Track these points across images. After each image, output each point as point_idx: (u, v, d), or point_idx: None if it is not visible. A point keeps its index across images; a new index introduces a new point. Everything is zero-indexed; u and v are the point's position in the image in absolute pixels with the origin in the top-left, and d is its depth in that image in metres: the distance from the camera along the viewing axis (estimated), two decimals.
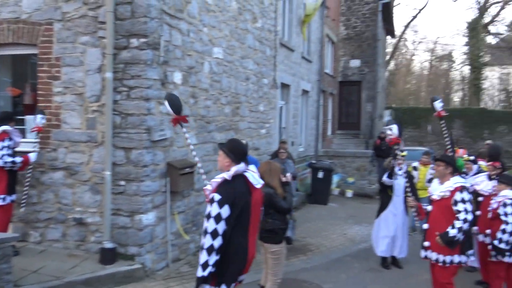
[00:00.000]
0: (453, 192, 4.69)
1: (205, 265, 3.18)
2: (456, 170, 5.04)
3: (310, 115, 14.54)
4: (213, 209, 3.22)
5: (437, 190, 4.90)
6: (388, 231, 6.72)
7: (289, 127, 12.16)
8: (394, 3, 32.59)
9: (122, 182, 5.59)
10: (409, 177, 6.70)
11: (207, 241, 3.19)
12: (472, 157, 6.78)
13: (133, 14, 5.49)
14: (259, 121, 9.65)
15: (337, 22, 18.24)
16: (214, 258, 3.19)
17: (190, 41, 6.50)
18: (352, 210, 11.47)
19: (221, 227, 3.21)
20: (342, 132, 19.00)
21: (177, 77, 6.17)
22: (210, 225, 3.20)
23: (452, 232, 4.56)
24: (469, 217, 4.61)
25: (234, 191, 3.30)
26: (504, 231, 5.09)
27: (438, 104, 6.25)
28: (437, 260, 4.76)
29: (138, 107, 5.52)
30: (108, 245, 5.49)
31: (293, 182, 9.12)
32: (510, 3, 35.90)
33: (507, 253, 5.16)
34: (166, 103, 4.66)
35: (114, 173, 5.57)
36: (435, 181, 5.09)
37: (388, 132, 6.18)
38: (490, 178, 6.06)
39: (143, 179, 5.54)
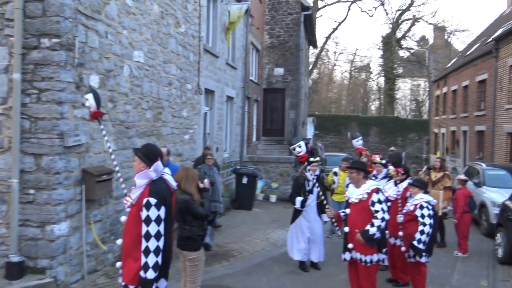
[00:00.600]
0: (370, 194, 5.00)
1: (155, 266, 3.32)
2: (368, 173, 5.37)
3: (235, 121, 14.64)
4: (152, 213, 3.35)
5: (355, 193, 5.18)
6: (303, 236, 6.91)
7: (213, 133, 12.14)
8: (316, 15, 33.99)
9: (32, 191, 5.25)
10: (321, 184, 6.95)
11: (152, 243, 3.31)
12: (384, 161, 7.26)
13: (44, 13, 5.20)
14: (183, 126, 9.54)
15: (262, 31, 18.64)
16: (160, 258, 3.36)
17: (108, 43, 6.28)
18: (276, 215, 11.70)
19: (162, 228, 3.38)
20: (267, 138, 19.35)
21: (94, 80, 5.92)
22: (152, 228, 3.33)
23: (372, 230, 4.86)
24: (386, 216, 4.94)
25: (163, 192, 3.47)
26: (422, 232, 5.36)
27: (356, 143, 6.79)
28: (360, 260, 5.02)
29: (49, 111, 5.22)
30: (15, 258, 5.10)
31: (219, 188, 9.12)
32: (419, 20, 39.07)
33: (424, 253, 5.44)
34: (91, 95, 4.53)
35: (22, 181, 5.21)
36: (351, 186, 5.39)
37: (297, 149, 6.35)
38: (395, 183, 6.53)
39: (55, 187, 5.24)
